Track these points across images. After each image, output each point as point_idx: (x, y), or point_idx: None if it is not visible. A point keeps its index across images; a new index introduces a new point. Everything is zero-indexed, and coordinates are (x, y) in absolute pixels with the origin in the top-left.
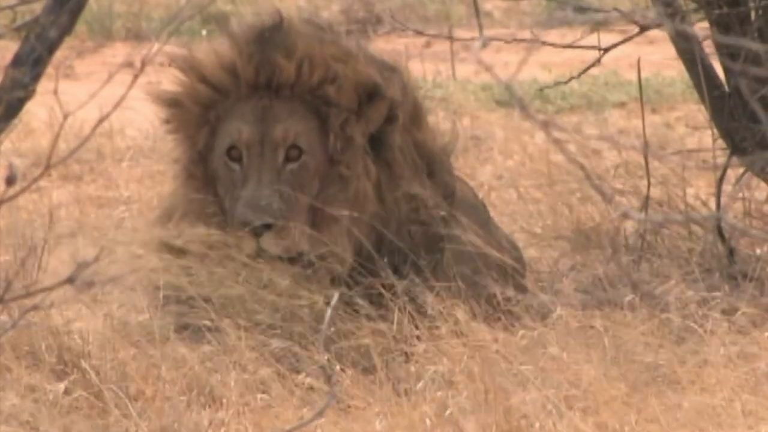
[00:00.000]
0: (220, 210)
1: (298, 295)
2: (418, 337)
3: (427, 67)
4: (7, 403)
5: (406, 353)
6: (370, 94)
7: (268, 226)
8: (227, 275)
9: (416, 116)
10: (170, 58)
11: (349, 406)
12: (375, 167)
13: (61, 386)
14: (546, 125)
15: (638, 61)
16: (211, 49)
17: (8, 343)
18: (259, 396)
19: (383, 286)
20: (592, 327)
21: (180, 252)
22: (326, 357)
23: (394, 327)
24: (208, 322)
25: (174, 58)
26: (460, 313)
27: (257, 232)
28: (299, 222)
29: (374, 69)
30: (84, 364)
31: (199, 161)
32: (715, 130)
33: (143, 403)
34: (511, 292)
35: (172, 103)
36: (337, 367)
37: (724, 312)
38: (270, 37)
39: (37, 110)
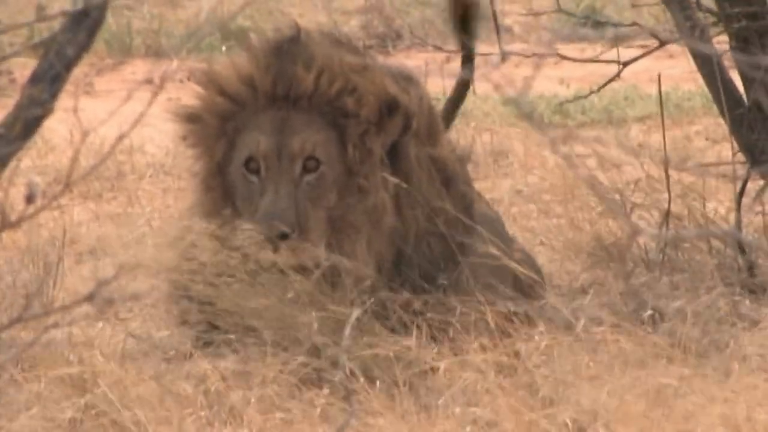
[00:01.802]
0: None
1: (319, 308)
2: (439, 351)
3: (447, 82)
4: (21, 417)
5: (428, 367)
6: (390, 107)
7: (285, 237)
8: (249, 287)
9: (432, 126)
10: (190, 72)
11: (370, 422)
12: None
13: (80, 402)
14: (554, 140)
15: (659, 76)
16: (229, 62)
17: (27, 361)
18: (278, 414)
19: (408, 294)
20: (612, 341)
21: (201, 265)
22: (347, 371)
23: (412, 340)
24: (231, 336)
25: (193, 72)
26: (481, 327)
27: (274, 244)
28: (317, 233)
29: (391, 80)
30: (102, 381)
31: (218, 174)
32: (735, 144)
33: (163, 420)
34: (530, 306)
35: (190, 118)
36: (360, 381)
37: (745, 326)
38: (288, 48)
39: (56, 127)
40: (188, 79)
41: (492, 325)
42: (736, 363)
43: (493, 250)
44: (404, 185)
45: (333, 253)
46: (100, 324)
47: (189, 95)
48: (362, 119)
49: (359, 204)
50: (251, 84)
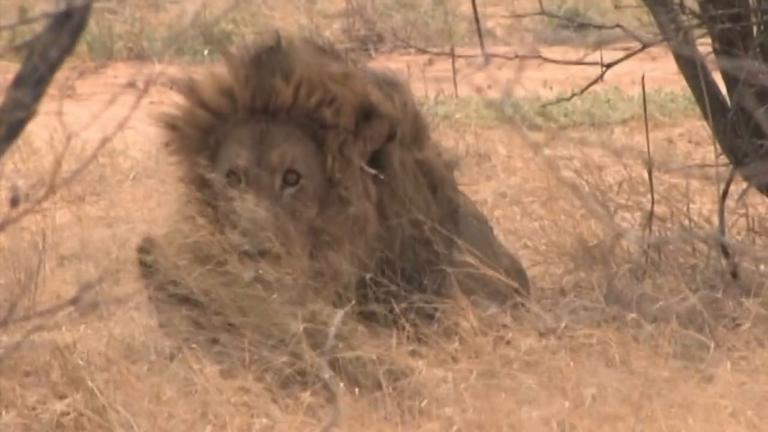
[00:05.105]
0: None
1: (302, 309)
2: (422, 354)
3: (429, 85)
4: (5, 420)
5: (411, 370)
6: (366, 114)
7: (266, 252)
8: (232, 288)
9: (418, 132)
10: (171, 81)
11: (353, 425)
12: (376, 187)
13: (64, 403)
14: (536, 144)
15: (642, 78)
16: (210, 73)
17: (11, 363)
18: (263, 419)
19: (392, 299)
20: (596, 343)
21: (184, 268)
22: (330, 375)
23: (394, 343)
24: (215, 337)
25: (175, 82)
26: (465, 330)
27: (255, 258)
28: (299, 246)
29: (374, 86)
30: (89, 383)
31: (201, 184)
32: (718, 146)
33: (148, 423)
34: (512, 310)
35: (172, 126)
36: (341, 385)
37: (727, 327)
38: (267, 59)
39: (39, 131)
40: (170, 88)
41: (473, 328)
42: (719, 364)
43: (471, 260)
44: (388, 193)
45: (315, 264)
46: (83, 327)
47: (171, 102)
48: (340, 129)
49: (341, 214)
50: (231, 96)
